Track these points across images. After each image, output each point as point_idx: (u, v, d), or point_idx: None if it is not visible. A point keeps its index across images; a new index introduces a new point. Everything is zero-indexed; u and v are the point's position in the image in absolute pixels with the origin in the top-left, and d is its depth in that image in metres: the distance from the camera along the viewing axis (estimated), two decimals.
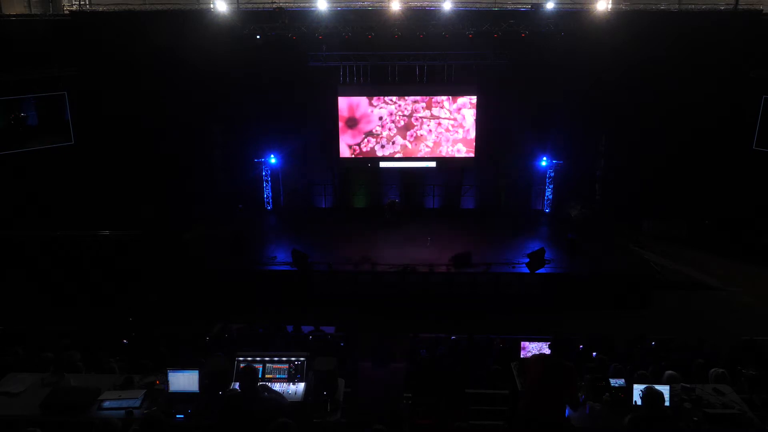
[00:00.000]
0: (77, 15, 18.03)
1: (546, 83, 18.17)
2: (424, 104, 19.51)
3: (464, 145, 19.81)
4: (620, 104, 18.11)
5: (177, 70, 17.32)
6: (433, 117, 19.59)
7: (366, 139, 19.80)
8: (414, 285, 14.52)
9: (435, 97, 19.45)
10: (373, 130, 19.69)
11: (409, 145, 19.86)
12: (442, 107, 19.52)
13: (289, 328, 11.00)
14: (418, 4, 18.04)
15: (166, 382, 5.93)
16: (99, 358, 7.66)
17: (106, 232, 15.58)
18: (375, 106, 19.50)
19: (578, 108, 18.43)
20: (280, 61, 18.25)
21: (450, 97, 19.41)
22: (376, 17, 17.59)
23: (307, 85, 18.94)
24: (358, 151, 19.91)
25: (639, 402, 5.75)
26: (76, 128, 18.15)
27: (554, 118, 18.73)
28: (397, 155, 19.91)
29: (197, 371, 5.91)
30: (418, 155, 19.95)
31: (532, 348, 7.34)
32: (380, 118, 19.58)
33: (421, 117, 19.61)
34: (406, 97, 19.49)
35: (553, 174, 19.33)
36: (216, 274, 14.73)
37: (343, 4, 17.96)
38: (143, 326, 10.88)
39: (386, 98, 19.49)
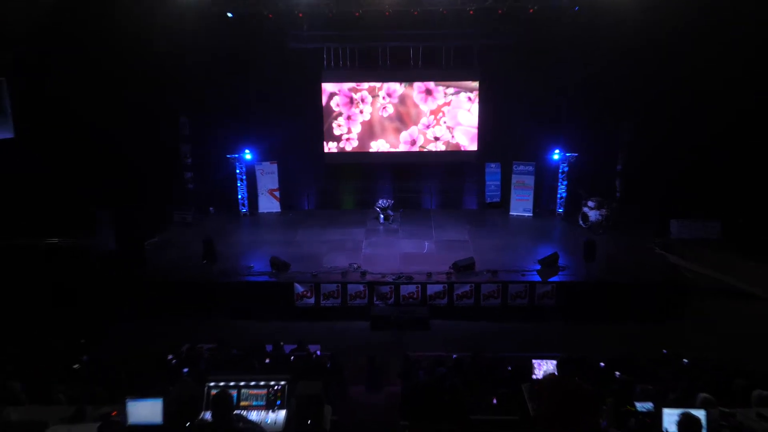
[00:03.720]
0: None
1: (558, 65, 18.21)
2: (419, 91, 19.53)
3: (465, 137, 19.84)
4: (643, 88, 18.13)
5: (138, 54, 17.17)
6: (431, 107, 19.63)
7: (352, 132, 19.87)
8: (410, 296, 14.50)
9: (432, 83, 19.47)
10: (360, 121, 19.77)
11: (403, 138, 19.90)
12: (439, 94, 19.54)
13: (268, 348, 10.91)
14: None
15: (124, 413, 5.80)
16: (44, 388, 7.54)
17: (55, 240, 15.40)
18: (360, 92, 19.55)
19: (595, 93, 18.46)
20: (255, 44, 18.22)
21: (449, 82, 19.43)
22: None
23: (286, 70, 18.94)
24: (344, 145, 19.95)
25: (670, 429, 5.70)
26: (17, 120, 17.92)
27: (567, 105, 18.80)
28: (389, 150, 19.96)
29: (161, 400, 5.78)
30: (413, 149, 19.97)
31: (545, 368, 7.28)
32: (359, 102, 19.60)
33: (416, 105, 19.64)
34: (399, 83, 19.50)
35: (567, 168, 19.38)
36: (183, 287, 14.60)
37: None
38: (96, 349, 10.74)
39: (376, 84, 19.51)
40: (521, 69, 18.64)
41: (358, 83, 19.60)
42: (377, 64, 19.07)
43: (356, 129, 20.06)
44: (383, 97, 19.79)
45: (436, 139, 20.04)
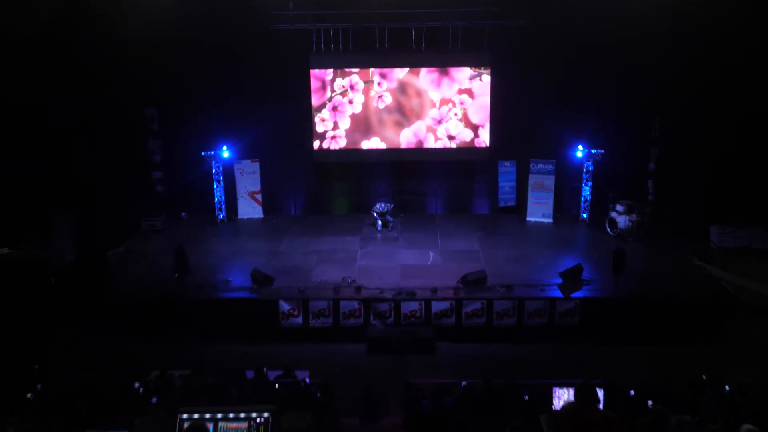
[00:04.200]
0: None
1: (580, 50, 18.26)
2: (428, 71, 19.59)
3: (475, 132, 19.87)
4: (680, 77, 18.22)
5: (97, 35, 17.23)
6: (444, 94, 19.70)
7: (339, 128, 19.89)
8: (412, 314, 14.49)
9: (436, 70, 19.53)
10: (350, 114, 19.81)
11: (405, 137, 19.92)
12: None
13: (249, 374, 10.91)
14: None
15: None
16: None
17: (5, 251, 15.39)
18: (349, 76, 19.62)
19: (623, 82, 18.53)
20: (233, 25, 18.22)
21: (456, 69, 19.50)
22: None
23: (270, 55, 18.98)
24: (330, 144, 19.99)
25: None
26: None
27: (592, 94, 18.84)
28: (387, 146, 20.03)
29: None
30: (414, 146, 20.02)
31: (566, 397, 7.32)
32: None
33: (419, 94, 19.70)
34: (399, 69, 19.57)
35: (592, 167, 19.42)
36: (151, 305, 14.60)
37: None
38: (52, 376, 10.73)
39: (373, 70, 19.58)
40: (538, 54, 18.69)
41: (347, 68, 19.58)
42: (374, 48, 19.11)
43: (344, 124, 20.01)
44: (378, 83, 19.79)
45: (451, 138, 20.00)
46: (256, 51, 18.88)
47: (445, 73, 19.58)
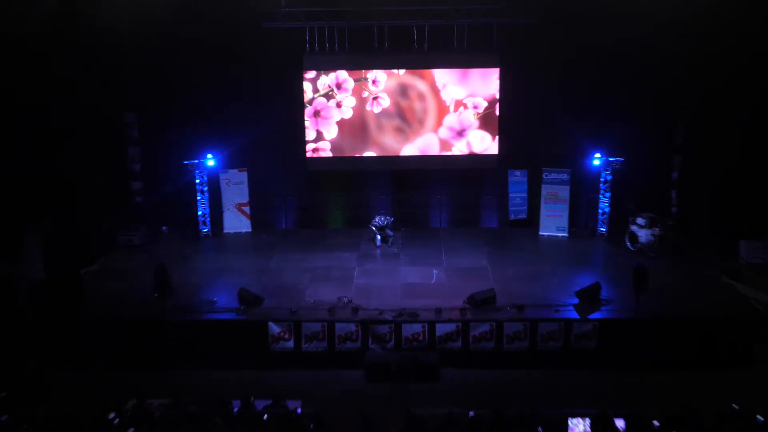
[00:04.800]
0: None
1: (597, 50, 18.36)
2: (424, 81, 19.67)
3: (483, 138, 19.90)
4: (706, 79, 18.27)
5: (76, 36, 17.30)
6: (438, 99, 19.77)
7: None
8: (414, 338, 14.47)
9: (440, 71, 19.61)
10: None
11: (404, 139, 19.96)
12: (450, 85, 19.68)
13: (235, 404, 10.87)
14: None
15: None
16: None
17: None
18: (342, 77, 19.66)
19: (644, 85, 18.60)
20: (221, 23, 18.27)
21: (462, 70, 19.59)
22: None
23: (260, 56, 19.09)
24: (319, 154, 20.01)
25: None
26: None
27: (610, 97, 18.92)
28: (387, 154, 20.08)
29: None
30: (417, 153, 20.06)
31: (583, 427, 7.31)
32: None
33: (421, 97, 19.76)
34: (399, 71, 19.64)
35: (610, 177, 19.46)
36: (129, 327, 14.56)
37: None
38: (20, 404, 10.69)
39: (371, 72, 19.64)
40: (552, 54, 18.82)
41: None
42: (372, 48, 19.18)
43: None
44: (373, 81, 19.68)
45: (447, 139, 20.01)
46: (245, 52, 18.95)
47: (442, 78, 19.65)
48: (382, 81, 19.63)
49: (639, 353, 14.24)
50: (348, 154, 20.00)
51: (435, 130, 19.91)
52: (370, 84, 19.66)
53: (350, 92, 19.70)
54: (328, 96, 19.67)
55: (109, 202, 19.35)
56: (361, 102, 19.74)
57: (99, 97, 18.29)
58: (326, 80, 19.58)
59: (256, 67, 19.25)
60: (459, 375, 14.05)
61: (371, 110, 19.80)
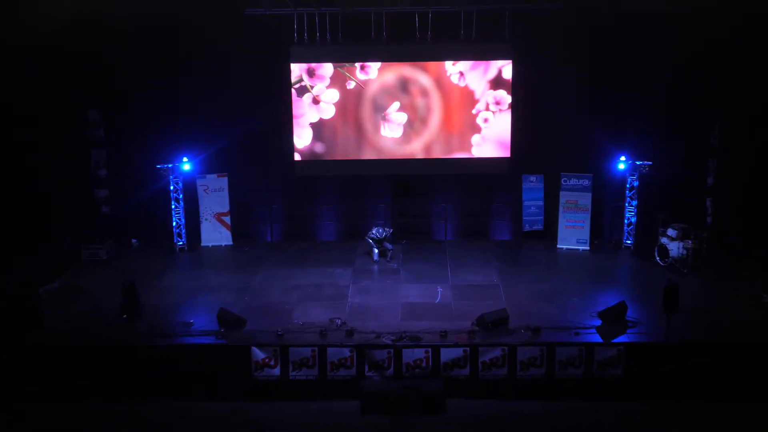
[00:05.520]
0: None
1: (621, 39, 18.42)
2: (427, 75, 19.71)
3: (493, 141, 19.91)
4: (745, 72, 18.30)
5: (32, 23, 17.29)
6: (442, 95, 19.80)
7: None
8: (416, 364, 14.41)
9: (446, 64, 19.66)
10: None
11: (405, 140, 19.98)
12: (456, 80, 19.72)
13: None
14: None
15: None
16: None
17: None
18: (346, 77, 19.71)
19: (675, 80, 18.64)
20: (199, 9, 18.33)
21: (470, 63, 19.62)
22: None
23: (243, 47, 19.13)
24: (322, 151, 20.05)
25: None
26: None
27: (636, 93, 18.96)
28: (386, 157, 20.09)
29: None
30: (418, 156, 20.09)
31: None
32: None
33: (424, 92, 19.80)
34: (400, 64, 19.67)
35: (637, 183, 19.49)
36: (94, 354, 14.48)
37: None
38: None
39: (367, 65, 19.68)
40: (570, 45, 18.89)
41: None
42: (369, 37, 19.17)
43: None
44: (362, 67, 19.59)
45: (452, 142, 20.00)
46: (226, 43, 19.00)
47: (447, 72, 19.67)
48: (373, 67, 19.60)
49: (670, 382, 14.17)
50: (341, 156, 20.02)
51: (441, 129, 19.93)
52: (357, 71, 19.63)
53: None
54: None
55: (72, 211, 19.33)
56: (346, 96, 19.74)
57: (58, 92, 18.26)
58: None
59: (238, 59, 19.29)
60: (466, 406, 13.99)
61: (367, 107, 19.82)
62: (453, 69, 19.62)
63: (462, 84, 19.67)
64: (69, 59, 18.18)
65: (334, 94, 19.65)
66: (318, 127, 19.73)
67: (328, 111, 19.71)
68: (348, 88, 19.67)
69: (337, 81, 19.60)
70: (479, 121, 19.82)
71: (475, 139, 19.94)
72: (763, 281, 17.56)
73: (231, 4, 18.46)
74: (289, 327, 15.20)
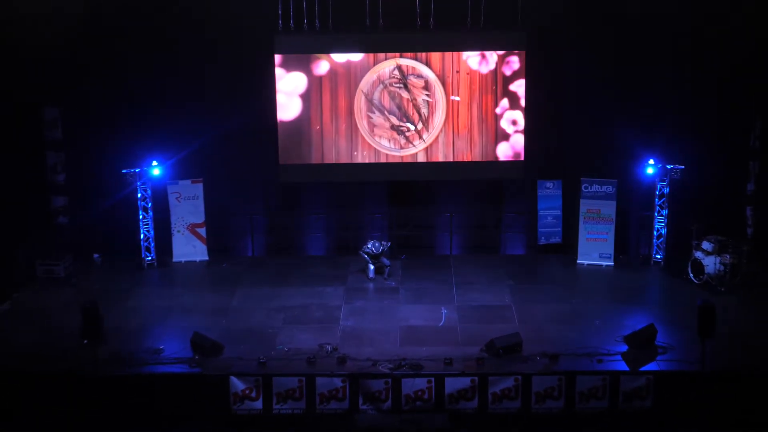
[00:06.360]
0: None
1: (649, 27, 18.56)
2: (431, 69, 19.84)
3: (505, 143, 19.99)
4: None
5: None
6: (446, 91, 19.92)
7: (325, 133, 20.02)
8: (417, 396, 14.44)
9: (451, 55, 19.77)
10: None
11: (404, 142, 20.10)
12: (462, 73, 19.84)
13: None
14: None
15: None
16: None
17: None
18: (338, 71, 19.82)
19: (710, 71, 18.76)
20: None
21: (478, 54, 19.74)
22: None
23: (219, 36, 19.23)
24: (311, 155, 20.12)
25: None
26: None
27: (666, 89, 19.06)
28: (383, 160, 20.20)
29: None
30: (420, 159, 20.20)
31: None
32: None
33: (424, 90, 19.93)
34: (398, 56, 19.78)
35: (668, 190, 19.57)
36: (50, 383, 14.47)
37: None
38: None
39: (364, 56, 19.79)
40: (591, 35, 19.01)
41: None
42: (363, 25, 19.25)
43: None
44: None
45: (459, 143, 20.09)
46: (200, 31, 19.07)
47: (453, 64, 19.78)
48: (367, 59, 19.75)
49: (705, 414, 14.24)
50: (332, 160, 20.09)
51: (445, 128, 20.04)
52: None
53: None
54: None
55: (25, 222, 19.34)
56: (345, 92, 19.89)
57: (12, 88, 18.33)
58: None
59: (214, 50, 19.36)
60: None
61: (361, 104, 19.94)
62: (459, 61, 19.73)
63: (469, 77, 19.78)
64: (21, 50, 18.19)
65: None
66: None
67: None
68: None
69: (326, 74, 19.78)
70: (491, 119, 19.94)
71: (485, 140, 20.05)
72: None
73: None
74: (273, 354, 15.24)
